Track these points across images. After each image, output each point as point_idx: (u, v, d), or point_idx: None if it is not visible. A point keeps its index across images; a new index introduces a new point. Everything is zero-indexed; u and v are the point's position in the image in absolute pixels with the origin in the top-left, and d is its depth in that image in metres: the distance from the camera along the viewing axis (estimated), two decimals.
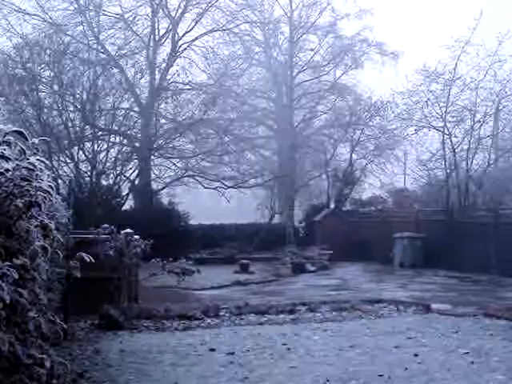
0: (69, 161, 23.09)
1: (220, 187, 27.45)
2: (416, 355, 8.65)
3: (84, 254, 6.60)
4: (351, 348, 9.16)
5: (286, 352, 8.92)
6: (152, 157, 26.41)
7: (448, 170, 24.42)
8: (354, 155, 29.81)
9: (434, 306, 13.19)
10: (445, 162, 24.48)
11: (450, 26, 32.78)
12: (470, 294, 15.52)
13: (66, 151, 23.03)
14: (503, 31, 23.60)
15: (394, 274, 20.50)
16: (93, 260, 6.59)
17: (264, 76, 32.84)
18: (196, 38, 27.81)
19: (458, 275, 19.02)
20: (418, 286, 17.32)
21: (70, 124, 23.40)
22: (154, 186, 27.08)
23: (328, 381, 7.38)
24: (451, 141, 24.32)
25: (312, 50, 31.90)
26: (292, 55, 31.66)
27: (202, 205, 34.56)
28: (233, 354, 8.76)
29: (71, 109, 23.86)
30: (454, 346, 9.29)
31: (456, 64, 24.17)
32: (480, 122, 24.46)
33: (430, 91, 24.80)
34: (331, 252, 23.80)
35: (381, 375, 7.59)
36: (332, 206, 29.21)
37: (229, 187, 27.57)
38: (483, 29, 24.19)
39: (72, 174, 22.71)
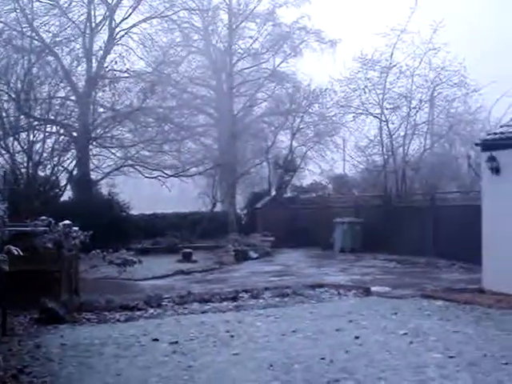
0: (3, 152, 22.38)
1: (161, 176, 27.18)
2: (357, 338, 8.86)
3: (12, 247, 6.43)
4: (294, 333, 9.30)
5: (230, 339, 8.98)
6: (90, 146, 25.85)
7: (385, 156, 24.95)
8: (294, 142, 30.05)
9: (373, 288, 13.53)
10: (382, 147, 24.99)
11: (387, 14, 33.43)
12: (408, 277, 15.97)
13: (1, 142, 22.32)
14: (437, 20, 24.16)
15: (335, 259, 20.86)
16: (21, 253, 6.42)
17: (203, 63, 32.60)
18: (134, 25, 27.31)
19: (397, 258, 19.51)
20: (358, 270, 17.69)
21: (3, 114, 22.63)
22: (94, 176, 26.56)
23: (271, 366, 7.48)
24: (388, 127, 24.85)
25: (251, 37, 31.86)
26: (231, 43, 31.53)
27: (144, 194, 34.13)
28: (176, 343, 8.76)
29: (5, 98, 23.08)
30: (393, 328, 9.55)
31: (392, 52, 24.70)
32: (416, 108, 25.06)
33: (368, 79, 25.24)
34: (273, 239, 24.00)
35: (323, 358, 7.75)
36: (273, 193, 29.41)
37: (169, 176, 27.35)
38: (418, 17, 24.74)
39: (8, 166, 22.03)
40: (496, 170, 12.71)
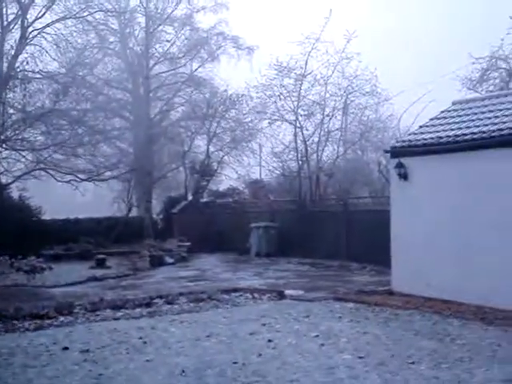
0: None
1: (74, 180, 26.52)
2: (270, 341, 8.98)
3: None
4: (208, 338, 9.32)
5: (143, 346, 8.90)
6: (0, 149, 24.96)
7: (300, 162, 25.36)
8: (210, 147, 30.04)
9: (287, 292, 13.72)
10: (297, 153, 25.39)
11: (302, 22, 34.00)
12: (322, 280, 16.29)
13: None
14: (351, 30, 24.81)
15: (251, 264, 21.01)
16: None
17: (120, 66, 32.03)
18: (47, 25, 26.54)
19: (311, 262, 19.88)
20: (272, 274, 17.90)
21: None
22: (4, 179, 25.63)
23: (184, 371, 7.46)
24: (303, 133, 25.28)
25: (168, 41, 31.63)
26: (148, 46, 31.21)
27: (57, 199, 33.23)
28: (87, 351, 8.59)
29: None
30: (306, 330, 9.75)
31: (307, 60, 25.13)
32: (329, 115, 25.62)
33: (283, 86, 25.58)
34: (190, 244, 23.89)
35: (236, 362, 7.81)
36: (190, 197, 29.28)
37: (83, 180, 26.71)
38: (332, 27, 25.31)
39: None
40: (404, 176, 13.21)
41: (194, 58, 31.70)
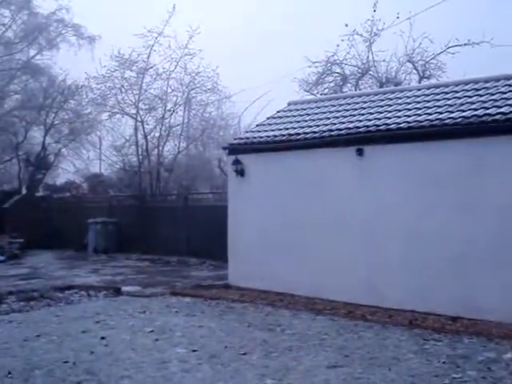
0: None
1: None
2: (103, 338, 8.82)
3: None
4: (37, 337, 8.95)
5: None
6: None
7: (141, 156, 25.10)
8: (47, 139, 28.70)
9: (124, 288, 13.55)
10: (137, 148, 25.11)
11: (146, 15, 33.65)
12: (160, 275, 16.25)
13: None
14: (194, 26, 24.93)
15: (88, 260, 20.40)
16: None
17: None
18: None
19: (151, 258, 19.73)
20: (110, 271, 17.53)
21: None
22: None
23: (10, 373, 7.12)
24: (144, 128, 25.06)
25: (4, 25, 29.81)
26: None
27: None
28: None
29: None
30: (141, 326, 9.69)
31: (149, 53, 24.95)
32: (171, 110, 25.61)
33: (124, 78, 25.18)
34: (23, 240, 22.71)
35: (66, 362, 7.59)
36: (24, 191, 27.83)
37: None
38: (176, 22, 25.31)
39: None
40: (240, 173, 13.55)
41: (32, 45, 30.09)
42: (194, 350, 8.15)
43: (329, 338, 8.90)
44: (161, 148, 25.34)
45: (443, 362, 7.51)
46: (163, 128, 25.31)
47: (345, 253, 11.66)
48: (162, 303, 11.99)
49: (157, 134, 25.27)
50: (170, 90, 25.49)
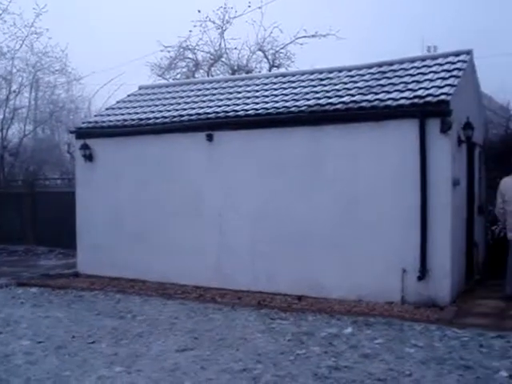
0: None
1: None
2: None
3: None
4: None
5: None
6: None
7: None
8: None
9: None
10: None
11: None
12: (6, 266, 15.52)
13: None
14: (41, 4, 23.75)
15: None
16: None
17: None
18: None
19: None
20: None
21: None
22: None
23: None
24: None
25: None
26: None
27: None
28: None
29: None
30: None
31: None
32: (16, 92, 24.31)
33: None
34: None
35: None
36: None
37: None
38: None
39: None
40: (89, 158, 13.22)
41: None
42: (40, 342, 7.92)
43: (179, 321, 9.00)
44: (5, 131, 23.97)
45: (288, 340, 7.86)
46: (7, 110, 23.98)
47: (196, 238, 11.81)
48: (8, 295, 11.48)
49: (0, 117, 23.89)
50: (15, 70, 24.19)
